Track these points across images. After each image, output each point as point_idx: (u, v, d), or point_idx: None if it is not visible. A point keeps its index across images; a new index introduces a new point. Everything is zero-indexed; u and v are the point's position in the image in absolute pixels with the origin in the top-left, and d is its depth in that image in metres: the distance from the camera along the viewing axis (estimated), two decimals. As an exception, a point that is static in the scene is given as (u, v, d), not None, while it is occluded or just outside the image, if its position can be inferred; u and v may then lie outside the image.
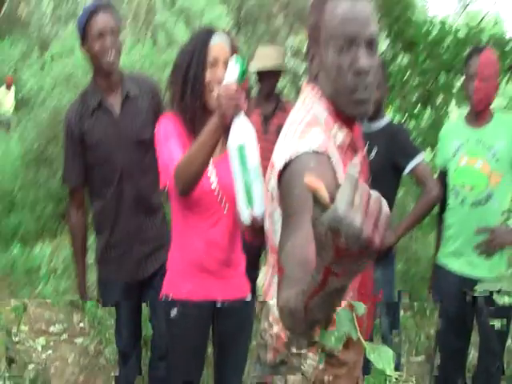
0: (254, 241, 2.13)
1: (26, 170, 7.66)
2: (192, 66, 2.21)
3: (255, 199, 1.88)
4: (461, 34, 5.35)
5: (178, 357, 2.46)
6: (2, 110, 13.66)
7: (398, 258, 5.34)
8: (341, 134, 1.54)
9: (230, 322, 2.45)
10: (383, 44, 6.23)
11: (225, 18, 18.96)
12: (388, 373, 1.11)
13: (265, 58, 4.19)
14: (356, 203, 0.83)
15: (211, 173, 2.25)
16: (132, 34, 12.98)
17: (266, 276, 1.71)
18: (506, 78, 5.58)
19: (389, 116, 3.35)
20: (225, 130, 1.98)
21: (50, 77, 8.56)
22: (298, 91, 16.52)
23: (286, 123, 1.59)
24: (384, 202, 0.87)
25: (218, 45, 2.23)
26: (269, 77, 4.19)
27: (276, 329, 1.63)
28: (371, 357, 1.13)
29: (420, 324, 4.67)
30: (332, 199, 0.85)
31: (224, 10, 19.59)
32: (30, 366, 3.71)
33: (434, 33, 5.38)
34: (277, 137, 1.62)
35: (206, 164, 2.07)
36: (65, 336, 4.24)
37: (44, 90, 8.68)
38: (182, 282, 2.37)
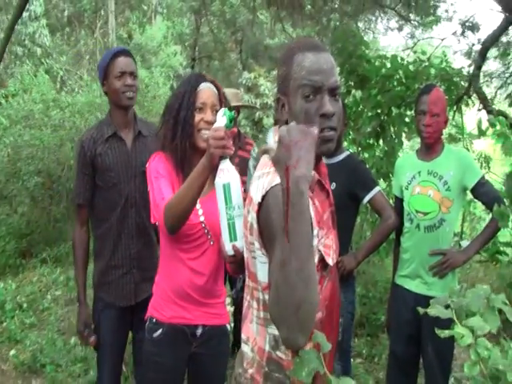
0: (235, 274, 2.29)
1: (-15, 208, 7.66)
2: (182, 108, 2.40)
3: (238, 233, 2.05)
4: (411, 69, 5.60)
5: (156, 378, 2.54)
6: None
7: (358, 282, 5.54)
8: None
9: (209, 348, 2.55)
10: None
11: (180, 55, 19.20)
12: None
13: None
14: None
15: (199, 209, 2.41)
16: (90, 73, 13.07)
17: (245, 300, 1.86)
18: (455, 108, 5.87)
19: (347, 151, 3.57)
20: (212, 170, 2.14)
21: (7, 115, 8.58)
22: (253, 125, 16.79)
23: (259, 165, 1.75)
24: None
25: (206, 90, 2.42)
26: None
27: (250, 371, 1.77)
28: None
29: (369, 369, 4.83)
30: None
31: (179, 47, 19.85)
32: None
33: (386, 68, 5.62)
34: (240, 168, 1.79)
35: (194, 202, 2.22)
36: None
37: (1, 127, 8.70)
38: (165, 307, 2.49)
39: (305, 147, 1.35)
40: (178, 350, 2.52)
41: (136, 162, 2.97)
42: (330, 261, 1.72)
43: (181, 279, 2.45)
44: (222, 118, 2.13)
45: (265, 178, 1.64)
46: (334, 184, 3.36)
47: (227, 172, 2.09)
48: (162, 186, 2.38)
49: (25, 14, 12.48)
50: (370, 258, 6.05)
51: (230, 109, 2.26)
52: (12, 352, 4.87)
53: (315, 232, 1.64)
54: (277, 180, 1.57)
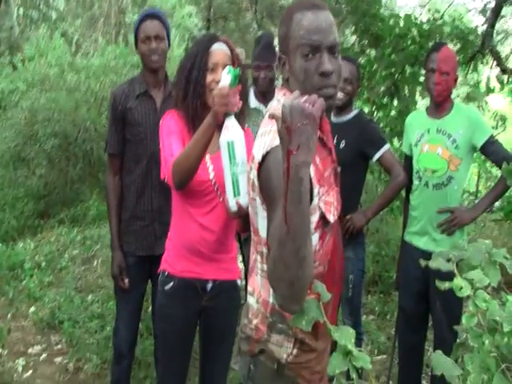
0: (243, 231, 2.34)
1: (4, 170, 7.75)
2: (194, 68, 2.43)
3: (241, 189, 2.09)
4: (425, 28, 5.55)
5: (168, 329, 2.64)
6: None
7: (370, 240, 5.60)
8: None
9: (219, 302, 2.62)
10: (351, 39, 6.43)
11: (195, 16, 19.01)
12: (349, 347, 1.32)
13: None
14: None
15: (209, 165, 2.46)
16: (104, 35, 13.02)
17: (251, 255, 1.91)
18: (468, 69, 5.82)
19: (357, 109, 3.58)
20: (217, 127, 2.20)
21: (24, 78, 8.64)
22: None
23: (263, 123, 1.79)
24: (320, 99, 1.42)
25: (219, 51, 2.44)
26: None
27: (255, 322, 1.84)
28: (335, 336, 1.36)
29: (381, 326, 4.93)
30: None
31: (194, 8, 19.64)
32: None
33: (399, 27, 5.57)
34: None
35: (200, 159, 2.27)
36: (44, 356, 4.35)
37: (18, 91, 8.76)
38: (176, 261, 2.57)
39: (306, 132, 1.35)
40: (188, 303, 2.59)
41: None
42: (331, 217, 1.75)
43: (191, 234, 2.51)
44: (226, 76, 2.16)
45: (266, 136, 1.68)
46: (343, 142, 3.39)
47: (231, 129, 2.13)
48: (173, 142, 2.43)
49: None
50: (383, 216, 6.09)
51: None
52: (31, 309, 5.01)
53: (315, 190, 1.67)
54: (277, 140, 1.60)
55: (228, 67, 2.19)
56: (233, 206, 2.13)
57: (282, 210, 1.39)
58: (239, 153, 2.10)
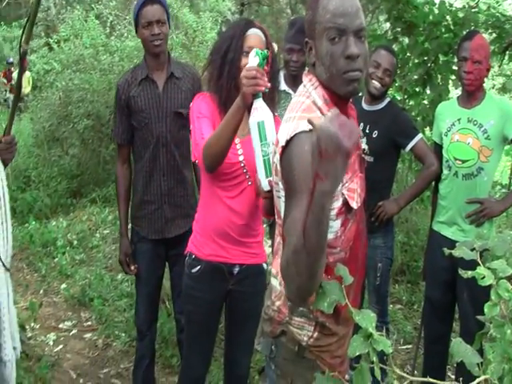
0: (268, 216, 2.38)
1: (38, 150, 7.89)
2: (230, 50, 2.45)
3: (273, 169, 2.12)
4: (459, 15, 5.48)
5: (194, 311, 2.70)
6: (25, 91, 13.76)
7: (399, 230, 5.58)
8: None
9: (245, 286, 2.67)
10: (385, 26, 6.38)
11: (228, 0, 18.97)
12: (370, 330, 1.35)
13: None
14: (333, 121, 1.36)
15: (239, 149, 2.50)
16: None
17: (276, 237, 1.95)
18: (503, 58, 5.74)
19: (388, 97, 3.57)
20: (246, 109, 2.21)
21: (59, 59, 8.72)
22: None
23: (289, 107, 1.81)
24: (356, 127, 1.41)
25: (254, 35, 2.46)
26: None
27: (278, 304, 1.88)
28: (356, 319, 1.39)
29: (408, 315, 4.94)
30: None
31: (228, -9, 19.58)
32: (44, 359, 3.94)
33: (433, 14, 5.51)
34: None
35: (230, 141, 2.29)
36: (74, 331, 4.48)
37: (53, 72, 8.85)
38: (204, 244, 2.61)
39: (338, 165, 1.35)
40: (215, 286, 2.64)
41: (167, 103, 3.10)
42: (354, 204, 1.77)
43: (219, 217, 2.55)
44: (254, 58, 2.17)
45: (291, 122, 1.70)
46: (375, 131, 3.39)
47: (261, 110, 2.14)
48: (203, 125, 2.46)
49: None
50: (413, 206, 6.06)
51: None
52: (63, 286, 5.15)
53: None
54: (301, 127, 1.63)
55: (255, 49, 2.20)
56: (266, 186, 2.14)
57: (301, 223, 1.43)
58: (270, 133, 2.12)
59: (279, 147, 1.68)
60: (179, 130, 3.12)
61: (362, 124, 3.44)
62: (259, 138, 2.13)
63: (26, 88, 13.66)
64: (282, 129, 1.73)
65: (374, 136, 3.40)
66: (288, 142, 1.64)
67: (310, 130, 1.59)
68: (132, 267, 3.25)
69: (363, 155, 3.34)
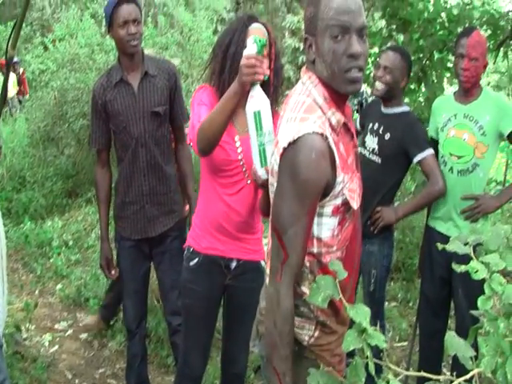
0: (266, 216, 2.37)
1: (33, 150, 7.87)
2: (232, 44, 2.44)
3: (268, 158, 2.11)
4: (454, 12, 5.47)
5: (192, 305, 2.71)
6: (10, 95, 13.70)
7: (395, 226, 5.58)
8: (335, 118, 1.74)
9: (243, 281, 2.68)
10: (380, 23, 6.37)
11: (224, -1, 18.97)
12: (364, 325, 1.34)
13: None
14: None
15: (238, 146, 2.49)
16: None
17: (269, 236, 1.93)
18: (497, 55, 5.73)
19: (406, 106, 3.52)
20: (242, 96, 2.20)
21: (54, 59, 8.71)
22: (296, 69, 16.61)
23: (288, 106, 1.79)
24: None
25: (257, 29, 2.43)
26: None
27: None
28: (350, 313, 1.38)
29: (403, 313, 4.95)
30: None
31: (223, -11, 19.58)
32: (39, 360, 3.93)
33: (428, 11, 5.50)
34: None
35: (224, 126, 2.27)
36: (70, 332, 4.47)
37: (48, 71, 8.83)
38: (202, 237, 2.63)
39: None
40: (212, 279, 2.66)
41: (143, 104, 3.08)
42: (355, 204, 1.77)
43: (217, 212, 2.56)
44: (252, 45, 2.14)
45: (292, 122, 1.69)
46: (388, 134, 3.36)
47: (258, 98, 2.13)
48: (202, 111, 2.46)
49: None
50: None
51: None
52: (58, 286, 5.14)
53: (341, 178, 1.69)
54: (304, 129, 1.63)
55: (253, 36, 2.18)
56: (263, 175, 2.14)
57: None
58: (266, 122, 2.11)
59: (279, 148, 1.67)
60: (157, 128, 3.12)
61: (377, 124, 3.44)
62: (255, 128, 2.11)
63: (11, 91, 13.61)
64: (282, 129, 1.72)
65: (386, 138, 3.36)
66: (290, 145, 1.63)
67: (314, 133, 1.59)
68: (113, 271, 3.27)
69: (372, 154, 3.35)
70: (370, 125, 3.50)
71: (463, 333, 1.59)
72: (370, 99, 6.50)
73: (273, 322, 1.68)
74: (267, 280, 1.90)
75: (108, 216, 3.28)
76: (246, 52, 2.16)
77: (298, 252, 1.66)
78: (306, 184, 1.60)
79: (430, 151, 3.27)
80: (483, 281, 1.45)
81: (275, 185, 1.73)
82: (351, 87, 1.71)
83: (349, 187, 1.74)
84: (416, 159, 3.29)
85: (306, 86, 1.78)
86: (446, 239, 3.13)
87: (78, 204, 7.12)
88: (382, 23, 6.23)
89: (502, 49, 5.66)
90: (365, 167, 3.07)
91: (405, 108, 3.47)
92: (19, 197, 6.87)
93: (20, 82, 13.87)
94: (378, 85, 3.38)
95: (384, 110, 3.47)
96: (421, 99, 5.73)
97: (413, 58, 5.56)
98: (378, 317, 3.54)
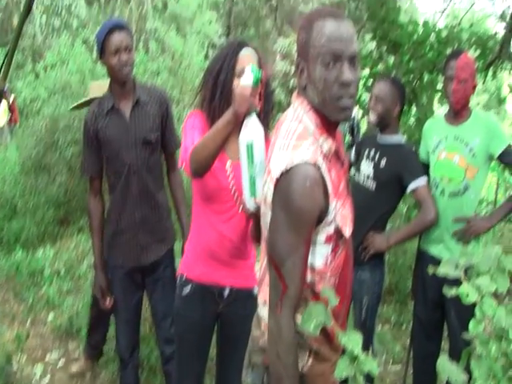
0: (258, 242, 2.35)
1: (25, 177, 7.82)
2: (222, 71, 2.43)
3: (258, 190, 2.09)
4: (443, 34, 5.53)
5: (185, 333, 2.68)
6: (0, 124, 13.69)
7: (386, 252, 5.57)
8: (326, 145, 1.74)
9: (236, 308, 2.66)
10: (370, 46, 6.43)
11: (215, 23, 19.14)
12: (355, 352, 1.33)
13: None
14: None
15: (230, 173, 2.48)
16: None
17: (262, 264, 1.92)
18: (486, 74, 5.77)
19: (401, 137, 3.51)
20: (238, 125, 2.19)
21: (45, 86, 8.71)
22: (287, 92, 16.72)
23: (280, 133, 1.78)
24: None
25: (247, 56, 2.42)
26: None
27: None
28: (342, 340, 1.37)
29: (397, 336, 4.92)
30: None
31: (214, 15, 19.76)
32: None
33: (418, 34, 5.56)
34: None
35: (216, 152, 2.25)
36: (61, 363, 4.40)
37: (40, 98, 8.84)
38: (195, 265, 2.61)
39: None
40: (205, 307, 2.63)
41: (135, 132, 3.06)
42: (347, 231, 1.76)
43: (209, 239, 2.54)
44: (249, 74, 2.13)
45: (285, 150, 1.68)
46: (384, 161, 3.36)
47: (252, 129, 2.12)
48: (195, 135, 2.44)
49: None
50: (401, 226, 6.04)
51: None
52: (50, 316, 5.06)
53: (333, 204, 1.68)
54: (297, 157, 1.62)
55: (251, 65, 2.17)
56: (251, 206, 2.13)
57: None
58: (258, 154, 2.09)
59: (272, 177, 1.66)
60: (150, 155, 3.09)
61: (373, 150, 3.44)
62: (247, 159, 2.10)
63: (1, 120, 13.62)
64: (275, 157, 1.70)
65: (381, 166, 3.36)
66: (283, 174, 1.62)
67: (306, 163, 1.60)
68: (107, 302, 3.21)
69: (367, 179, 3.35)
70: (367, 150, 3.49)
71: (457, 355, 1.57)
72: (361, 122, 6.52)
73: (276, 355, 1.65)
74: (259, 308, 1.88)
75: (102, 245, 3.23)
76: (242, 81, 2.15)
77: (296, 283, 1.64)
78: (301, 213, 1.59)
79: (423, 179, 3.26)
80: (475, 303, 1.44)
81: (269, 214, 1.71)
82: (342, 115, 1.71)
83: (341, 213, 1.74)
84: (410, 188, 3.27)
85: (298, 111, 1.77)
86: (438, 262, 3.13)
87: (70, 232, 7.07)
88: (373, 45, 6.29)
89: (491, 68, 5.71)
90: (358, 193, 3.07)
91: (399, 138, 3.45)
92: (10, 225, 6.81)
93: (11, 110, 13.86)
94: (371, 115, 3.40)
95: (379, 138, 3.47)
96: (412, 120, 5.76)
97: (403, 79, 5.62)
98: (368, 344, 3.50)
